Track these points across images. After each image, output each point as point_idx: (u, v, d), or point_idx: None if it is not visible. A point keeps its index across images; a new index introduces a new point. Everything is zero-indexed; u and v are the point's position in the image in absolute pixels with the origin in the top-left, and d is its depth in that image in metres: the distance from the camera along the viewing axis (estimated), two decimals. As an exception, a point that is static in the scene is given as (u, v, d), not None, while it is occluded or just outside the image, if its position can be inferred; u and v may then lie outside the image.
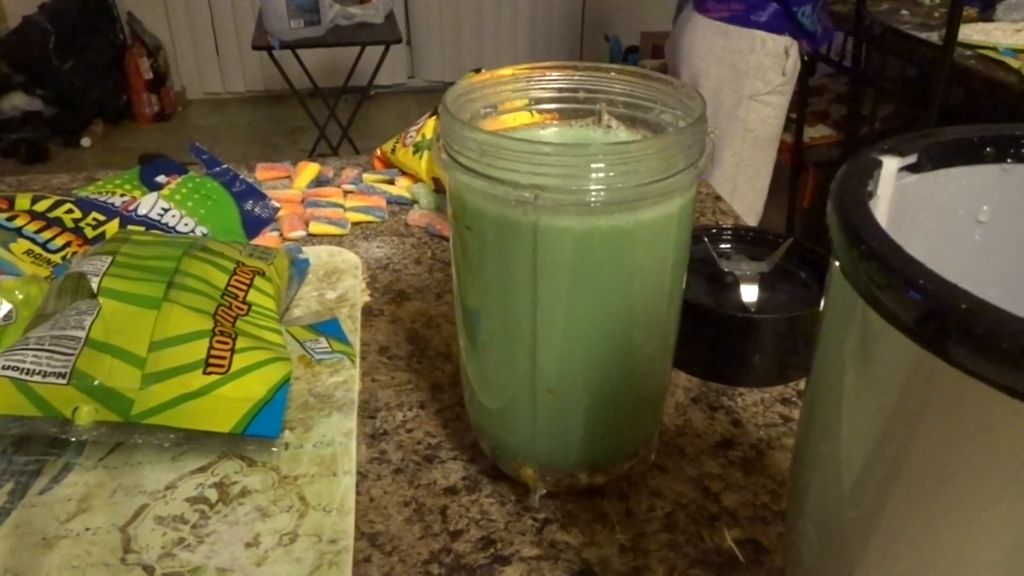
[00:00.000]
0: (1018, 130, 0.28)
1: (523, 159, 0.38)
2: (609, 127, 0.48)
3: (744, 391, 0.58)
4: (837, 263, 0.24)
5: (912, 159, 0.27)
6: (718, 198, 0.88)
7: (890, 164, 0.27)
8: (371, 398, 0.57)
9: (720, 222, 0.83)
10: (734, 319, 0.58)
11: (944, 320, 0.20)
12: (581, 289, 0.41)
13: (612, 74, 0.47)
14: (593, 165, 0.38)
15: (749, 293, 0.61)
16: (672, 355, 0.49)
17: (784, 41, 1.67)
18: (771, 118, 1.75)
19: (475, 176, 0.39)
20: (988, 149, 0.28)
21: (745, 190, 1.82)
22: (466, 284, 0.45)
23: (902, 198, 0.28)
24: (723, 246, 0.67)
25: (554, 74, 0.47)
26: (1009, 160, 0.28)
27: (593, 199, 0.38)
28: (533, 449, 0.47)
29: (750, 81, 1.69)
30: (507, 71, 0.47)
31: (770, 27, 1.65)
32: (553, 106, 0.48)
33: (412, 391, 0.58)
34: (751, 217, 1.86)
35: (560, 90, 0.47)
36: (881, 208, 0.27)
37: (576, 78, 0.47)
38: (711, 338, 0.59)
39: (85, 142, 3.63)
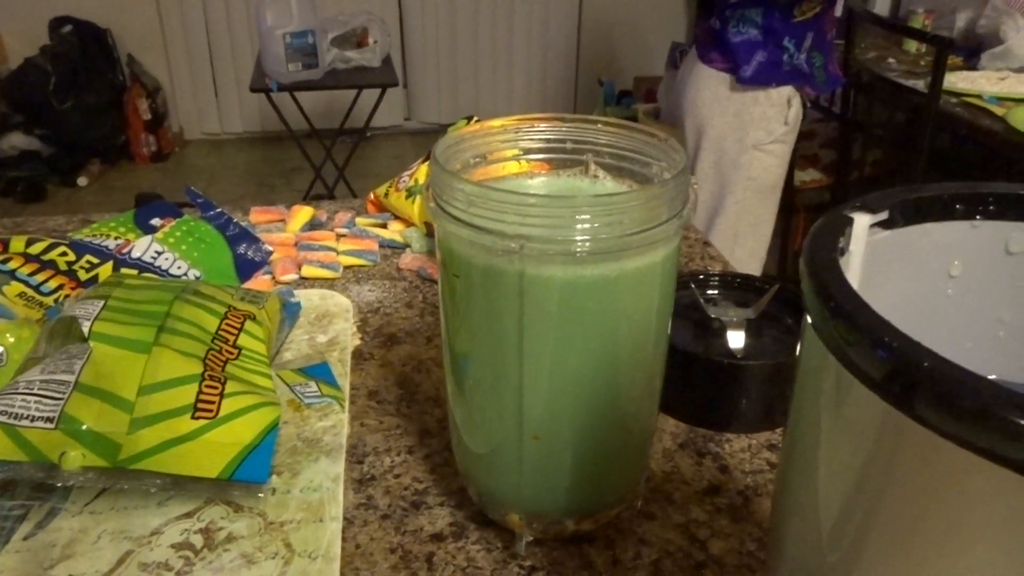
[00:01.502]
0: (985, 188, 0.29)
1: (509, 210, 0.39)
2: (596, 177, 0.49)
3: (731, 437, 0.59)
4: (809, 318, 0.25)
5: (883, 216, 0.28)
6: (707, 244, 0.89)
7: (861, 220, 0.27)
8: (359, 442, 0.58)
9: (708, 268, 0.84)
10: (721, 365, 0.59)
11: (909, 378, 0.20)
12: (567, 337, 0.42)
13: (599, 126, 0.48)
14: (578, 216, 0.39)
15: (736, 339, 0.61)
16: (658, 401, 0.49)
17: (786, 91, 1.68)
18: (774, 167, 1.77)
19: (462, 225, 0.40)
20: (958, 206, 0.29)
21: (747, 236, 1.84)
22: (453, 330, 0.46)
23: (875, 253, 0.29)
24: (710, 292, 0.68)
25: (542, 125, 0.48)
26: (978, 217, 0.29)
27: (578, 249, 0.39)
28: (519, 495, 0.47)
29: (753, 131, 1.70)
30: (496, 122, 0.48)
31: (756, 81, 1.66)
32: (541, 156, 0.49)
33: (401, 436, 0.58)
34: (753, 264, 1.88)
35: (548, 141, 0.49)
36: (854, 263, 0.28)
37: (564, 129, 0.48)
38: (698, 384, 0.59)
39: (82, 181, 3.65)
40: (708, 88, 1.73)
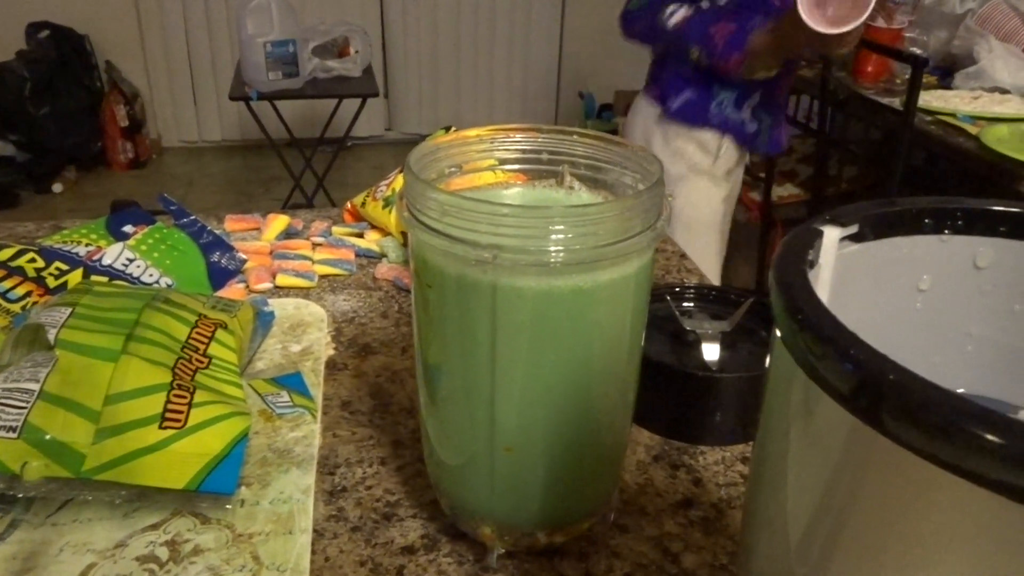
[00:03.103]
0: (954, 203, 0.29)
1: (483, 220, 0.38)
2: (572, 188, 0.49)
3: (705, 449, 0.59)
4: (778, 331, 0.25)
5: (853, 229, 0.28)
6: (683, 256, 0.90)
7: (831, 234, 0.28)
8: (331, 453, 0.57)
9: (684, 280, 0.84)
10: (695, 377, 0.59)
11: (876, 392, 0.20)
12: (540, 348, 0.42)
13: (575, 137, 0.48)
14: (551, 227, 0.38)
15: (711, 352, 0.61)
16: (632, 413, 0.49)
17: (714, 137, 1.52)
18: (701, 204, 1.59)
19: (436, 235, 0.40)
20: (926, 221, 0.29)
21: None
22: (426, 340, 0.45)
23: (845, 266, 0.29)
24: (686, 304, 0.68)
25: (518, 136, 0.48)
26: (946, 231, 0.29)
27: (551, 260, 0.39)
28: (491, 508, 0.46)
29: (676, 164, 1.56)
30: (472, 132, 0.48)
31: (682, 117, 1.52)
32: (517, 167, 0.49)
33: (373, 447, 0.58)
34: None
35: (524, 151, 0.48)
36: (824, 276, 0.28)
37: (540, 140, 0.48)
38: (673, 396, 0.59)
39: (57, 188, 3.60)
40: (641, 116, 1.63)
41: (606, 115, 3.91)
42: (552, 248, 0.38)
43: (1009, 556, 0.21)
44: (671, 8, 1.42)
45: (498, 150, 0.48)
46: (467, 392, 0.44)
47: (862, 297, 0.30)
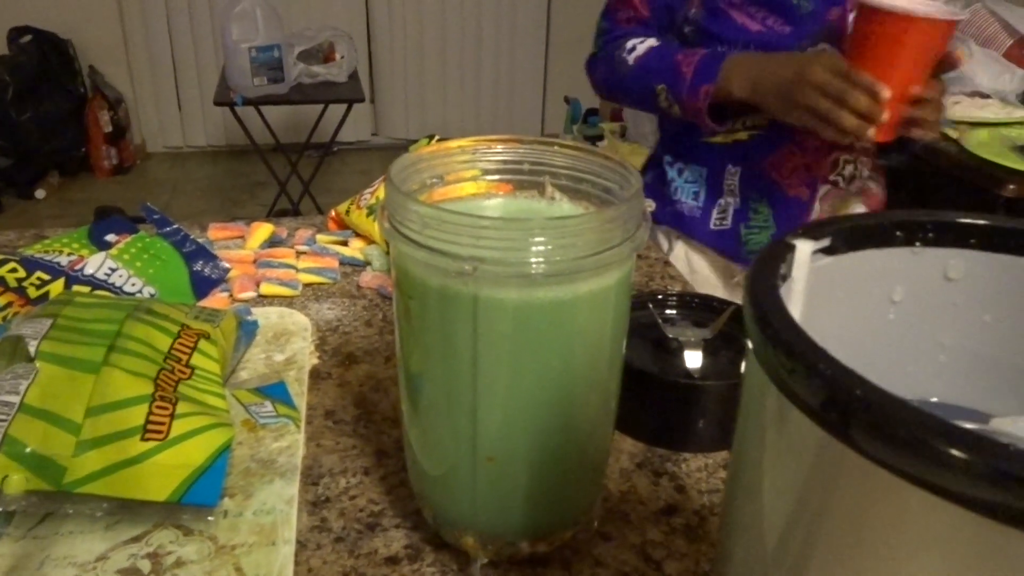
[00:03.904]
0: (924, 215, 0.29)
1: (463, 232, 0.39)
2: (553, 199, 0.49)
3: (688, 456, 0.59)
4: (751, 344, 0.25)
5: (826, 243, 0.29)
6: (667, 263, 0.90)
7: (804, 247, 0.28)
8: (315, 464, 0.57)
9: (667, 287, 0.85)
10: (678, 385, 0.59)
11: (844, 406, 0.21)
12: (521, 358, 0.42)
13: (555, 148, 0.48)
14: (532, 239, 0.39)
15: (693, 359, 0.62)
16: (613, 422, 0.49)
17: (659, 232, 1.14)
18: None
19: (417, 247, 0.40)
20: (898, 233, 0.30)
21: None
22: (408, 350, 0.45)
23: (818, 279, 0.29)
24: (668, 312, 0.68)
25: (500, 147, 0.49)
26: (918, 243, 0.30)
27: (532, 271, 0.39)
28: (474, 517, 0.46)
29: None
30: (454, 143, 0.49)
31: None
32: (498, 177, 0.49)
33: (357, 456, 0.58)
34: None
35: (506, 162, 0.49)
36: (797, 289, 0.28)
37: (521, 151, 0.49)
38: (656, 404, 0.60)
39: (39, 194, 3.58)
40: None
41: (592, 120, 3.91)
42: (532, 260, 0.39)
43: (977, 566, 0.21)
44: (633, 41, 1.03)
45: (480, 161, 0.49)
46: (449, 402, 0.44)
47: (836, 309, 0.30)
